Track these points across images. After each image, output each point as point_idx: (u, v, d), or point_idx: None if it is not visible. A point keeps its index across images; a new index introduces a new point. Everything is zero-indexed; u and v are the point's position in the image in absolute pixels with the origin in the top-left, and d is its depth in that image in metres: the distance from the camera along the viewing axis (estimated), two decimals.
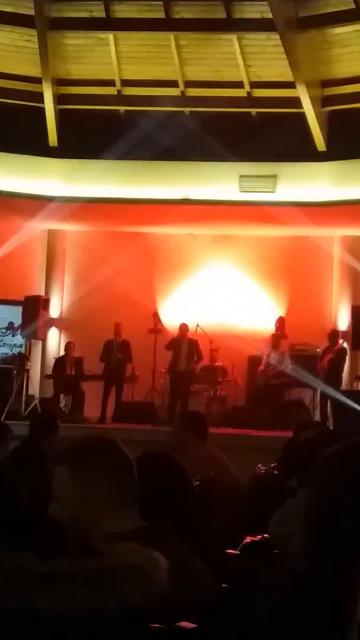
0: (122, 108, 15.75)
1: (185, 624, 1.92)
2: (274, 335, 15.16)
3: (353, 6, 13.96)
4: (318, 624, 1.75)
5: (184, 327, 14.90)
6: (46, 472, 5.02)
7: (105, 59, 15.38)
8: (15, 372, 14.74)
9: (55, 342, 16.75)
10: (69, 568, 1.87)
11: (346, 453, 1.85)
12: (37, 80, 15.34)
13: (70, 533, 2.29)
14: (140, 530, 2.29)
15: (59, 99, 15.54)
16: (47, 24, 14.85)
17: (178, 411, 13.20)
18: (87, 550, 2.08)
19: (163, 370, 15.12)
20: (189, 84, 15.45)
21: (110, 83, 15.59)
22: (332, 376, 14.23)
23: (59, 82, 15.53)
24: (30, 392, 15.07)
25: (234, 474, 5.79)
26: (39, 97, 15.36)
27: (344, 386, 14.57)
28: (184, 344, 14.79)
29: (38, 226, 16.60)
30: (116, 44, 15.25)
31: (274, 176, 14.89)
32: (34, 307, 15.57)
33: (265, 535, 3.53)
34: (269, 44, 14.77)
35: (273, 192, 14.86)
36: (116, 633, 1.84)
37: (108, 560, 1.94)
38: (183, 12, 14.80)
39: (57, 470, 2.47)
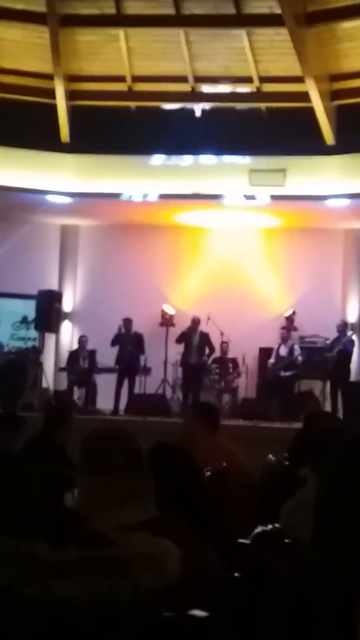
0: (132, 104, 15.75)
1: (197, 612, 1.92)
2: (284, 328, 15.24)
3: None
4: (329, 612, 1.75)
5: (196, 320, 14.97)
6: (62, 463, 5.16)
7: (116, 55, 15.37)
8: (29, 366, 14.81)
9: (68, 335, 16.82)
10: (83, 558, 1.90)
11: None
12: (49, 77, 15.32)
13: (84, 523, 2.32)
14: (152, 520, 2.30)
15: (70, 95, 15.53)
16: (59, 21, 14.83)
17: (190, 403, 13.32)
18: (100, 540, 2.09)
19: (174, 363, 15.21)
20: (199, 79, 15.46)
21: (121, 79, 15.60)
22: (341, 367, 14.30)
23: (71, 78, 15.53)
24: (44, 385, 15.11)
25: (245, 465, 5.83)
26: (51, 93, 15.35)
27: (352, 377, 14.65)
28: (195, 337, 14.89)
29: (51, 221, 16.71)
30: (127, 40, 15.23)
31: (283, 170, 14.89)
32: (48, 301, 15.60)
33: (276, 524, 3.55)
34: (278, 39, 14.69)
35: (282, 185, 14.88)
36: (129, 621, 1.85)
37: (121, 549, 1.96)
38: (193, 8, 14.81)
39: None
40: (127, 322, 14.91)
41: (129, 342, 14.80)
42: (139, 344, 14.81)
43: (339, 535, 1.73)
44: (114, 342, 14.79)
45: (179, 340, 14.97)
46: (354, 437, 1.84)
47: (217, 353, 15.25)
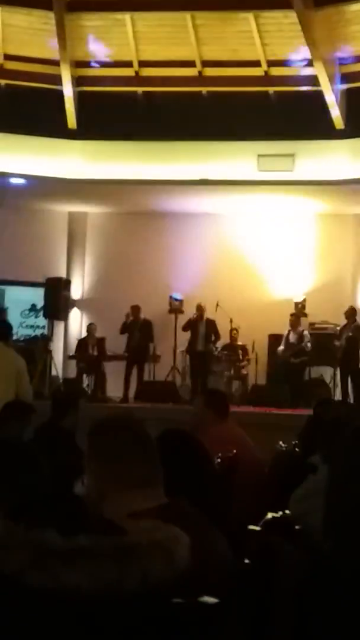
0: (140, 89, 15.67)
1: (207, 599, 1.93)
2: (293, 314, 15.20)
3: None
4: (339, 599, 1.76)
5: (200, 307, 14.95)
6: (70, 450, 5.14)
7: (122, 40, 15.29)
8: (38, 354, 14.80)
9: (77, 323, 16.84)
10: (92, 545, 1.89)
11: None
12: (56, 63, 15.27)
13: (93, 510, 2.31)
14: (162, 507, 2.31)
15: (77, 81, 15.48)
16: (64, 6, 14.75)
17: (198, 390, 13.31)
18: (109, 528, 2.08)
19: (184, 350, 15.21)
20: (206, 63, 15.36)
21: (127, 64, 15.53)
22: (350, 354, 14.23)
23: (77, 64, 15.48)
24: (53, 373, 15.16)
25: (255, 451, 5.83)
26: (58, 79, 15.30)
27: None
28: (202, 324, 14.87)
29: (59, 208, 16.69)
30: (133, 25, 15.13)
31: (292, 155, 14.81)
32: (56, 289, 15.64)
33: (287, 511, 3.56)
34: (286, 22, 14.59)
35: (291, 170, 14.82)
36: (138, 609, 1.85)
37: (130, 537, 1.96)
38: None
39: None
40: (135, 309, 14.91)
41: (137, 330, 14.81)
42: (148, 331, 14.82)
43: (350, 522, 1.77)
44: (123, 330, 14.80)
45: (185, 327, 14.97)
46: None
47: (226, 340, 15.23)
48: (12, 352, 7.84)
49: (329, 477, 1.90)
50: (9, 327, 8.36)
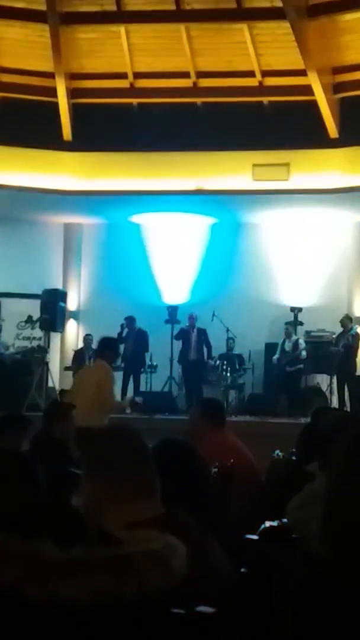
0: (135, 100, 15.71)
1: (204, 609, 1.92)
2: (288, 323, 15.22)
3: None
4: (336, 608, 1.75)
5: (192, 317, 15.04)
6: (64, 460, 5.13)
7: (117, 52, 15.31)
8: (34, 365, 14.81)
9: (73, 334, 16.84)
10: (88, 556, 1.88)
11: None
12: (50, 75, 15.28)
13: (89, 521, 2.31)
14: (158, 517, 2.30)
15: (72, 93, 15.49)
16: (59, 19, 14.78)
17: (193, 400, 13.32)
18: (106, 538, 2.09)
19: (176, 360, 15.24)
20: (201, 74, 15.39)
21: (122, 76, 15.54)
22: (347, 361, 14.24)
23: (72, 76, 15.48)
24: (49, 385, 15.13)
25: (252, 461, 5.82)
26: (53, 91, 15.31)
27: (359, 371, 14.62)
28: (193, 334, 14.90)
29: (54, 220, 16.70)
30: (128, 37, 15.16)
31: (287, 164, 14.85)
32: (52, 300, 15.61)
33: (284, 520, 3.55)
34: (280, 32, 14.63)
35: (286, 180, 14.86)
36: (135, 619, 1.84)
37: (126, 547, 1.95)
38: (193, 3, 14.74)
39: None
40: (130, 320, 14.93)
41: (132, 340, 14.83)
42: (143, 341, 14.83)
43: (348, 530, 1.76)
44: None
45: (177, 337, 15.01)
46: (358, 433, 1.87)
47: (222, 349, 15.23)
48: (98, 366, 8.84)
49: (326, 485, 1.90)
50: (109, 344, 9.15)
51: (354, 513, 1.78)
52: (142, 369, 14.97)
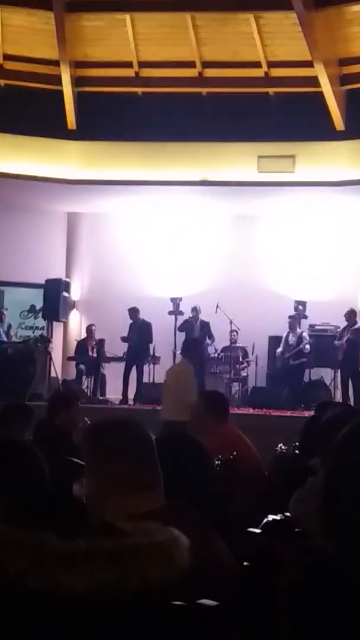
0: (139, 89, 15.66)
1: (206, 602, 1.92)
2: (292, 316, 15.19)
3: None
4: (339, 601, 1.75)
5: (195, 309, 15.04)
6: (68, 449, 5.09)
7: (122, 41, 15.27)
8: (37, 355, 14.81)
9: (76, 324, 16.86)
10: (91, 548, 1.88)
11: None
12: (55, 63, 15.26)
13: (92, 512, 2.31)
14: (161, 509, 2.30)
15: (77, 81, 15.47)
16: (65, 7, 14.74)
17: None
18: (108, 530, 2.09)
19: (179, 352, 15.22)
20: (207, 64, 15.35)
21: (127, 65, 15.51)
22: (351, 355, 14.20)
23: (77, 64, 15.46)
24: (52, 375, 15.14)
25: (255, 454, 5.83)
26: (57, 79, 15.29)
27: None
28: (197, 326, 14.91)
29: (58, 209, 16.67)
30: (133, 25, 15.12)
31: (293, 156, 14.83)
32: (55, 290, 15.63)
33: (287, 513, 3.48)
34: (286, 22, 14.58)
35: (292, 172, 14.83)
36: (138, 611, 1.85)
37: (129, 539, 1.95)
38: None
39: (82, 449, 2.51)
40: (134, 311, 14.93)
41: (136, 331, 14.84)
42: (147, 332, 14.83)
43: (347, 524, 1.78)
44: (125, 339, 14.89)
45: (181, 328, 15.00)
46: (354, 426, 1.88)
47: (226, 341, 15.22)
48: (183, 364, 10.03)
49: (323, 477, 1.91)
50: (193, 344, 10.93)
51: (351, 504, 1.78)
52: (145, 360, 14.95)
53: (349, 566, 1.76)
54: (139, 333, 14.89)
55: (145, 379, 15.03)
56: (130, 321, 14.99)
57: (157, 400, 13.52)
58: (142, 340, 14.87)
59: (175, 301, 15.79)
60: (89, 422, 8.62)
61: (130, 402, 14.48)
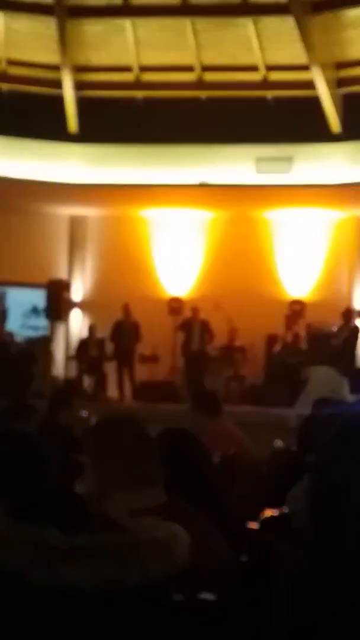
0: (140, 93, 15.75)
1: (205, 596, 1.93)
2: (289, 316, 15.27)
3: None
4: (336, 597, 1.75)
5: (195, 308, 15.09)
6: (69, 446, 5.22)
7: (123, 46, 15.34)
8: (39, 355, 14.84)
9: (77, 324, 16.80)
10: (92, 543, 1.88)
11: (352, 432, 1.86)
12: (57, 68, 15.33)
13: (94, 508, 2.31)
14: (161, 506, 2.30)
15: (78, 85, 15.53)
16: (66, 12, 14.81)
17: (193, 391, 13.40)
18: (110, 526, 2.09)
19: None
20: (206, 68, 15.44)
21: (128, 69, 15.59)
22: (347, 355, 14.31)
23: (78, 69, 15.52)
24: (54, 374, 15.19)
25: (251, 450, 5.87)
26: (59, 84, 15.36)
27: (359, 364, 14.70)
28: (196, 325, 14.99)
29: (60, 211, 16.74)
30: (134, 31, 15.21)
31: (290, 158, 14.91)
32: (57, 290, 15.66)
33: (284, 509, 3.60)
34: (284, 27, 14.62)
35: (289, 173, 14.91)
36: (138, 606, 1.85)
37: (130, 535, 1.95)
38: None
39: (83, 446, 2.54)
40: (126, 308, 14.99)
41: (128, 330, 14.87)
42: (137, 332, 14.85)
43: (338, 522, 1.78)
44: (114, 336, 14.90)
45: (180, 327, 15.07)
46: (347, 427, 1.89)
47: (224, 340, 15.31)
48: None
49: (312, 477, 1.90)
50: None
51: (339, 500, 1.78)
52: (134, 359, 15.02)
53: (340, 562, 1.76)
54: (130, 332, 14.93)
55: (145, 378, 15.14)
56: (117, 320, 14.97)
57: (157, 399, 13.67)
58: (133, 340, 14.90)
59: (175, 301, 15.86)
60: (86, 414, 8.81)
61: (128, 400, 14.55)
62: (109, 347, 15.11)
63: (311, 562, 1.81)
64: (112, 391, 15.00)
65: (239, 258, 16.33)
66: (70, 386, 13.67)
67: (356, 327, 14.60)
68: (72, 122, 15.47)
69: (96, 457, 2.41)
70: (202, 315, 15.21)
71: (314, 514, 1.83)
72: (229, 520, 3.16)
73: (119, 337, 14.91)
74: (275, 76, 15.34)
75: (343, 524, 1.75)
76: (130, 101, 15.69)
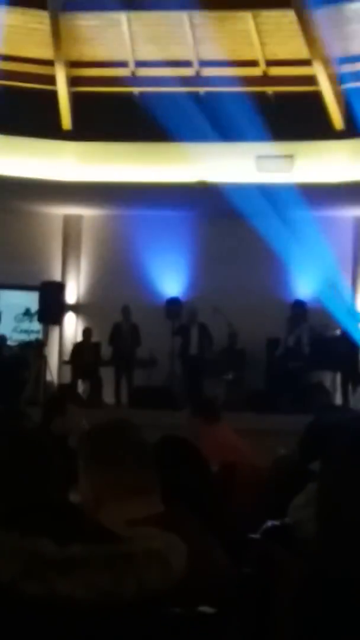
0: (136, 89, 15.69)
1: (204, 609, 1.93)
2: (291, 319, 15.09)
3: None
4: (338, 607, 1.74)
5: (193, 312, 14.97)
6: (63, 454, 4.97)
7: (118, 40, 15.33)
8: (32, 359, 14.77)
9: (72, 328, 16.81)
10: (87, 554, 1.87)
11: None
12: (50, 63, 15.36)
13: (89, 518, 2.27)
14: (159, 515, 2.32)
15: (72, 81, 15.54)
16: (60, 6, 14.88)
17: (190, 397, 13.27)
18: (105, 536, 2.06)
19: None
20: (204, 63, 15.40)
21: (123, 64, 15.57)
22: (350, 358, 14.13)
23: (72, 64, 15.53)
24: (48, 379, 15.09)
25: (252, 457, 5.79)
26: (52, 79, 15.39)
27: None
28: (194, 329, 14.83)
29: (53, 211, 16.60)
30: (129, 25, 15.18)
31: (291, 156, 14.81)
32: (51, 293, 15.64)
33: (286, 519, 3.50)
34: (284, 21, 14.74)
35: (290, 171, 14.78)
36: (134, 618, 1.84)
37: (126, 545, 1.95)
38: None
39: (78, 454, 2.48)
40: (126, 310, 14.86)
41: (128, 332, 14.78)
42: (138, 335, 14.76)
43: (343, 532, 1.77)
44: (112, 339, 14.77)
45: (177, 332, 14.96)
46: (356, 435, 1.90)
47: (224, 344, 15.15)
48: None
49: (319, 483, 1.91)
50: None
51: (349, 513, 1.78)
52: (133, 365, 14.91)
53: (345, 572, 1.75)
54: (130, 335, 14.75)
55: (141, 383, 14.94)
56: (116, 322, 14.81)
57: (153, 405, 13.46)
58: (133, 344, 14.75)
59: (173, 304, 15.69)
60: (86, 424, 8.61)
61: (124, 406, 14.41)
62: (108, 351, 14.90)
63: (315, 572, 1.81)
64: (108, 397, 14.82)
65: (239, 259, 16.21)
66: (64, 392, 13.49)
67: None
68: (67, 119, 15.49)
69: (91, 465, 2.42)
70: (201, 318, 15.01)
71: (322, 523, 1.84)
72: (228, 530, 3.19)
73: (117, 340, 14.82)
74: (276, 71, 15.41)
75: (352, 532, 1.76)
76: (126, 97, 15.63)
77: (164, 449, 2.94)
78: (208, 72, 15.40)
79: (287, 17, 14.56)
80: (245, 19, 14.84)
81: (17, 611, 1.83)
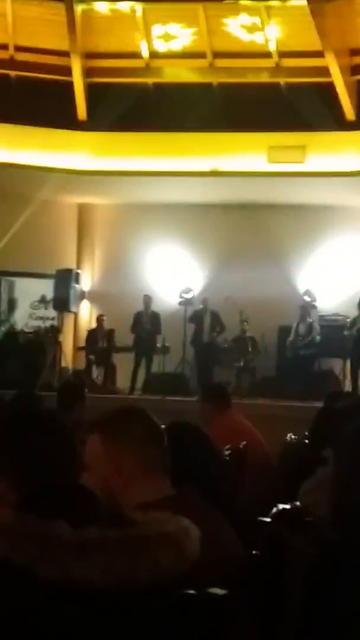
0: (150, 80, 15.61)
1: (216, 591, 1.91)
2: (302, 306, 15.16)
3: None
4: (347, 591, 1.76)
5: (205, 300, 15.05)
6: (78, 441, 5.09)
7: (133, 31, 15.22)
8: (47, 345, 14.82)
9: (86, 314, 16.84)
10: (102, 537, 1.87)
11: None
12: (66, 54, 15.22)
13: (103, 502, 2.26)
14: (171, 499, 2.31)
15: (87, 72, 15.43)
16: None
17: (201, 383, 13.32)
18: (119, 519, 2.10)
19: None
20: (217, 54, 15.28)
21: (138, 55, 15.48)
22: None
23: (87, 55, 15.41)
24: (63, 365, 15.11)
25: (262, 443, 5.81)
26: (68, 70, 15.26)
27: None
28: (206, 316, 14.89)
29: (69, 200, 16.65)
30: (144, 16, 15.07)
31: (303, 146, 14.76)
32: (66, 280, 15.60)
33: (297, 503, 3.48)
34: (297, 13, 14.51)
35: (302, 162, 14.76)
36: (149, 601, 1.84)
37: (140, 529, 1.96)
38: None
39: (88, 439, 2.49)
40: (148, 298, 14.90)
41: (148, 321, 14.84)
42: (158, 322, 14.81)
43: (356, 515, 1.80)
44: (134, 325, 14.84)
45: (191, 319, 14.97)
46: None
47: (236, 331, 15.21)
48: None
49: (334, 469, 2.00)
50: None
51: None
52: (154, 351, 14.97)
53: (357, 555, 1.76)
54: (151, 323, 14.84)
55: (154, 370, 15.01)
56: (138, 310, 14.90)
57: (166, 391, 13.59)
58: (154, 331, 14.83)
59: (186, 292, 15.77)
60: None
61: (139, 392, 14.49)
62: (129, 338, 14.96)
63: (327, 555, 1.82)
64: (120, 382, 14.90)
65: (251, 248, 16.24)
66: (80, 379, 13.59)
67: None
68: (82, 109, 15.37)
69: (104, 449, 2.40)
70: (213, 306, 15.05)
71: (336, 507, 1.88)
72: (239, 513, 3.20)
73: (138, 328, 14.86)
74: (288, 63, 15.20)
75: None
76: (141, 88, 15.54)
77: (175, 434, 2.84)
78: (221, 63, 15.29)
79: (299, 9, 14.36)
80: (259, 11, 14.72)
81: (33, 594, 1.82)
